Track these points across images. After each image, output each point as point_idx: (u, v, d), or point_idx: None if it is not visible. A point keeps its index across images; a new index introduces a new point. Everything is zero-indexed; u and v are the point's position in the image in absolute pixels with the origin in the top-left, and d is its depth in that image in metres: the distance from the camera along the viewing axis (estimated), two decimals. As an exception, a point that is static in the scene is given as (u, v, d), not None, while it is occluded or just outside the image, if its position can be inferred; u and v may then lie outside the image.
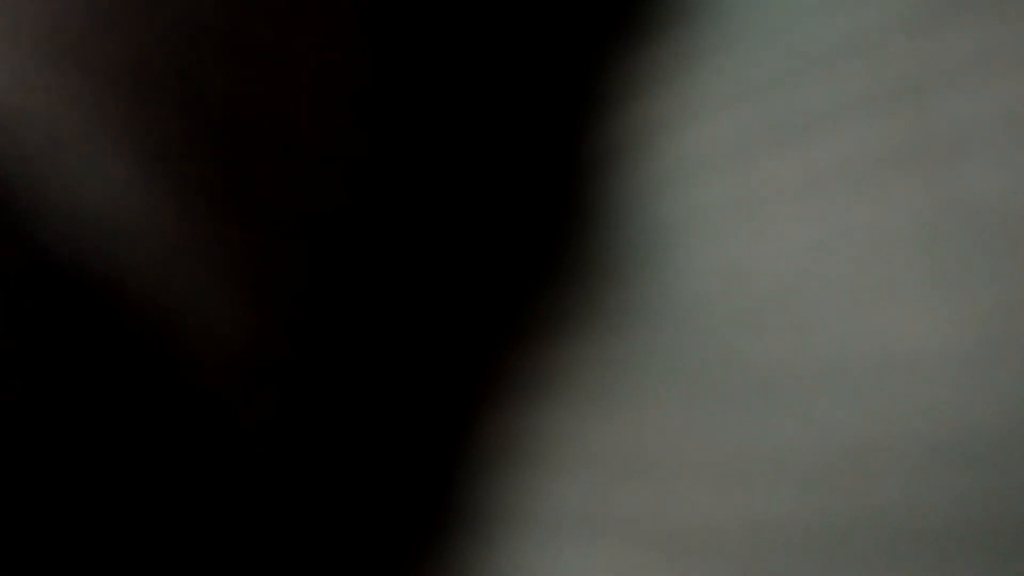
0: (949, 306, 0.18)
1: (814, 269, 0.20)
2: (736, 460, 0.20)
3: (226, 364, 0.23)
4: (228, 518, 0.23)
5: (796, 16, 0.23)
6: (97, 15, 0.23)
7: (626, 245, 0.24)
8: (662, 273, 0.23)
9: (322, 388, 0.24)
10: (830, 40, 0.22)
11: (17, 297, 0.22)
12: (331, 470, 0.24)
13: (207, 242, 0.23)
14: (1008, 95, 0.19)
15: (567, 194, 0.25)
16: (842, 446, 0.19)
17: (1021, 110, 0.19)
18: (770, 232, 0.21)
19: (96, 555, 0.22)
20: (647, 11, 0.26)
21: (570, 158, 0.26)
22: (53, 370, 0.22)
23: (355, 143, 0.24)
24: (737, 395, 0.20)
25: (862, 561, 0.18)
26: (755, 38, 0.23)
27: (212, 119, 0.23)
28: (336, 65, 0.24)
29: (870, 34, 0.21)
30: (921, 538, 0.17)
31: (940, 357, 0.18)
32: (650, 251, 0.23)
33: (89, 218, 0.22)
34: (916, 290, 0.19)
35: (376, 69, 0.25)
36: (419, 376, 0.25)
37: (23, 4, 0.22)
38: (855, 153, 0.21)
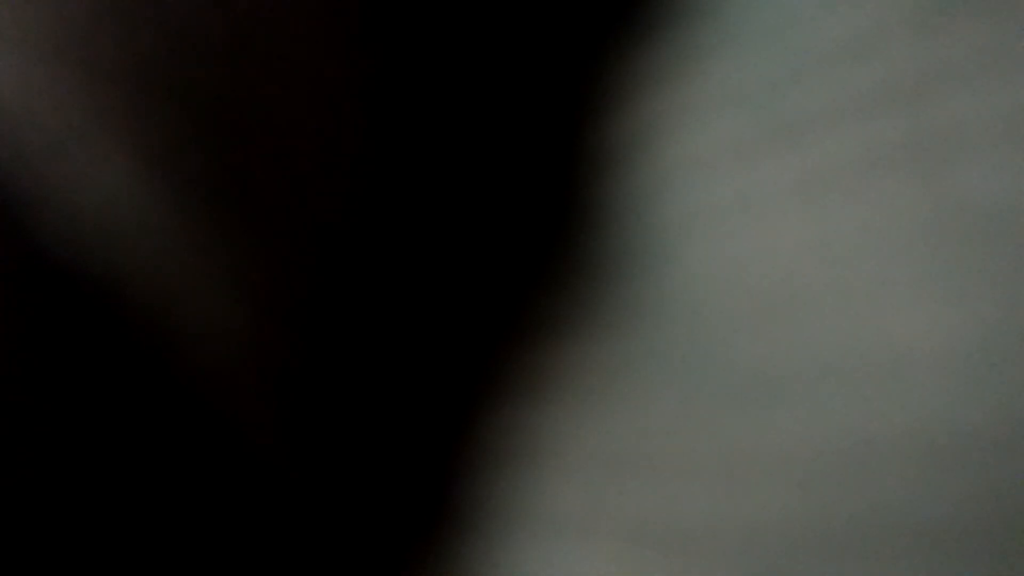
0: (949, 306, 0.18)
1: (814, 269, 0.20)
2: (736, 460, 0.20)
3: (226, 365, 0.23)
4: (228, 519, 0.23)
5: (796, 16, 0.23)
6: (98, 15, 0.23)
7: (626, 245, 0.24)
8: (662, 273, 0.23)
9: (322, 388, 0.24)
10: (830, 40, 0.22)
11: (16, 298, 0.22)
12: (331, 470, 0.24)
13: (207, 243, 0.23)
14: (1008, 95, 0.19)
15: (567, 194, 0.25)
16: (842, 446, 0.19)
17: (1021, 110, 0.19)
18: (770, 232, 0.21)
19: (96, 556, 0.22)
20: (647, 11, 0.26)
21: (570, 158, 0.26)
22: (53, 371, 0.22)
23: (355, 143, 0.24)
24: (737, 395, 0.20)
25: (862, 561, 0.18)
26: (755, 38, 0.23)
27: (213, 120, 0.23)
28: (337, 66, 0.24)
29: (870, 34, 0.21)
30: (921, 538, 0.17)
31: (940, 357, 0.18)
32: (650, 251, 0.23)
33: (89, 218, 0.22)
34: (916, 290, 0.19)
35: (376, 70, 0.25)
36: (419, 376, 0.25)
37: (24, 4, 0.22)
38: (855, 153, 0.21)
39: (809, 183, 0.21)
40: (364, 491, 0.25)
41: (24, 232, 0.22)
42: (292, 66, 0.24)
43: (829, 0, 0.22)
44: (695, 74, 0.24)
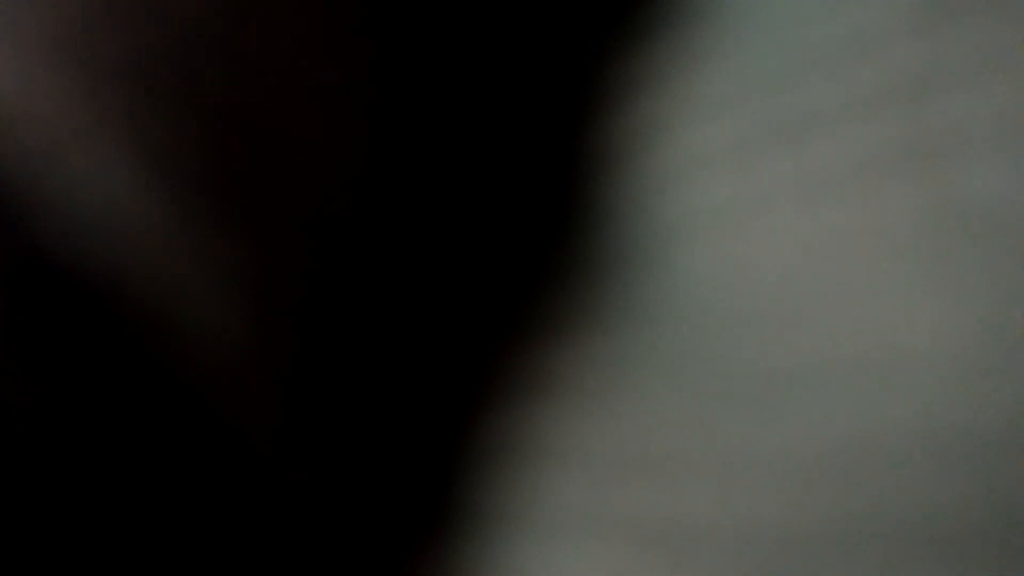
0: (948, 306, 0.18)
1: (814, 269, 0.20)
2: (736, 460, 0.20)
3: (227, 366, 0.23)
4: (230, 519, 0.23)
5: (796, 16, 0.23)
6: (98, 16, 0.23)
7: (626, 245, 0.24)
8: (662, 273, 0.23)
9: (322, 389, 0.24)
10: (830, 40, 0.22)
11: (17, 298, 0.22)
12: (332, 471, 0.24)
13: (207, 243, 0.23)
14: (1008, 95, 0.19)
15: (567, 194, 0.25)
16: (841, 446, 0.19)
17: (1020, 110, 0.19)
18: (770, 232, 0.21)
19: (98, 556, 0.22)
20: (647, 11, 0.26)
21: (570, 158, 0.26)
22: (53, 372, 0.22)
23: (356, 144, 0.24)
24: (737, 395, 0.20)
25: (862, 561, 0.18)
26: (755, 38, 0.23)
27: (213, 120, 0.23)
28: (337, 67, 0.24)
29: (870, 34, 0.21)
30: (921, 538, 0.17)
31: (940, 357, 0.18)
32: (650, 251, 0.23)
33: (89, 219, 0.22)
34: (915, 290, 0.19)
35: (377, 71, 0.25)
36: (419, 376, 0.25)
37: (24, 4, 0.22)
38: (855, 153, 0.21)
39: (809, 183, 0.21)
40: (365, 491, 0.25)
41: (24, 232, 0.22)
42: (292, 67, 0.24)
43: (829, 0, 0.22)
44: (695, 74, 0.24)
